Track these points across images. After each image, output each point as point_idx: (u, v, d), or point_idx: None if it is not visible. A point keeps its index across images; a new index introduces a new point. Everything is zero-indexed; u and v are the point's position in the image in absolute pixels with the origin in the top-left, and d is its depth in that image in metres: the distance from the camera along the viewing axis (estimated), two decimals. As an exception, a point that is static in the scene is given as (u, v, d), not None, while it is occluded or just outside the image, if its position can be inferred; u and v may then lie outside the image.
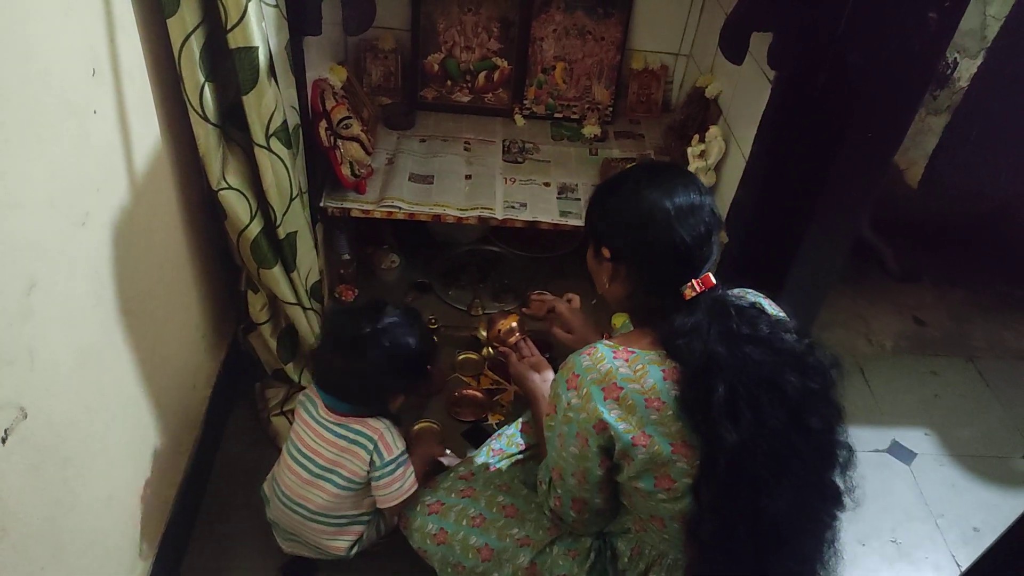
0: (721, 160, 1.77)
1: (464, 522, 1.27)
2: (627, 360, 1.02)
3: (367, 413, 1.33)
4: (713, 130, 1.75)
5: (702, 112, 1.89)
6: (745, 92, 1.69)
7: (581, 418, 1.02)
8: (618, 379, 1.00)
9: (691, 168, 1.78)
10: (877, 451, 1.82)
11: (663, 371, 1.01)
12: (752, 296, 1.14)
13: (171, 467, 1.42)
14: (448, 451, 1.64)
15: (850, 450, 1.06)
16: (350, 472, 1.31)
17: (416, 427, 1.72)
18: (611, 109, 2.15)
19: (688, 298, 1.03)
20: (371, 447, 1.30)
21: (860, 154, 1.53)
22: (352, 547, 1.36)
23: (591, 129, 2.09)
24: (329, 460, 1.31)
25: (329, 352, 1.33)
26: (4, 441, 0.86)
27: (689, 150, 1.79)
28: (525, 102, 2.13)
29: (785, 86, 1.52)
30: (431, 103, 2.11)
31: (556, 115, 2.15)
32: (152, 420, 1.32)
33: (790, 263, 1.67)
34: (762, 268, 1.72)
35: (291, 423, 1.64)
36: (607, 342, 1.05)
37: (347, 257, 1.97)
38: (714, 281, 1.04)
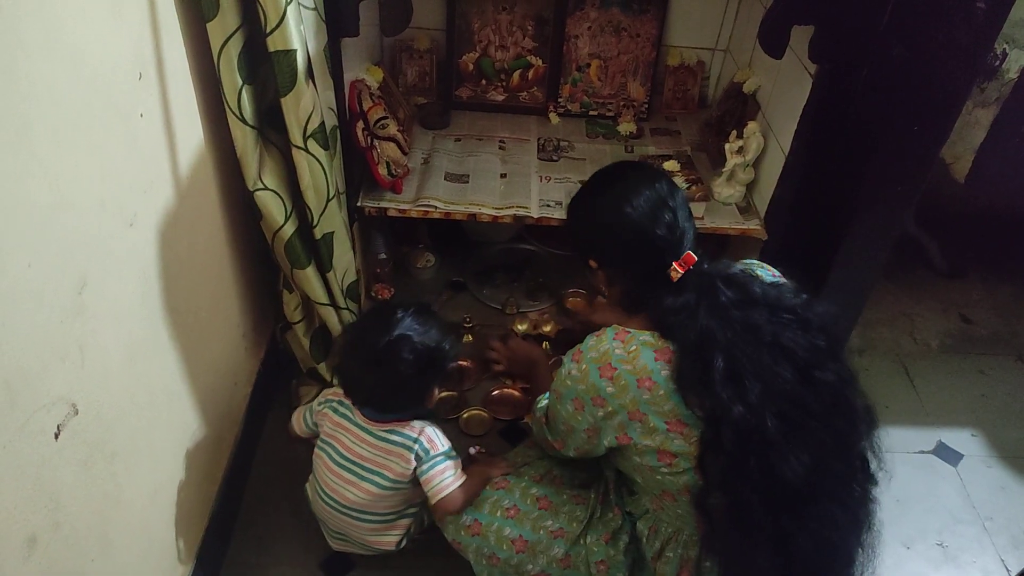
0: (760, 156, 1.75)
1: (498, 513, 1.27)
2: (623, 341, 1.07)
3: (408, 417, 1.34)
4: (751, 125, 1.73)
5: (740, 108, 1.86)
6: (785, 87, 1.66)
7: (579, 388, 1.09)
8: (613, 359, 1.06)
9: (729, 164, 1.76)
10: (922, 452, 1.78)
11: (655, 352, 1.05)
12: (742, 265, 1.19)
13: (213, 463, 1.45)
14: (483, 449, 1.65)
15: (871, 413, 1.06)
16: (397, 474, 1.31)
17: (465, 415, 1.73)
18: (647, 106, 2.13)
19: (675, 280, 1.08)
20: (415, 446, 1.30)
21: (905, 149, 1.49)
22: (400, 541, 1.37)
23: (627, 126, 2.07)
24: (375, 463, 1.31)
25: (354, 368, 1.33)
26: (57, 436, 0.88)
27: (727, 146, 1.77)
28: (560, 100, 2.12)
29: (827, 80, 1.50)
30: (466, 102, 2.12)
31: (591, 113, 2.13)
32: (195, 417, 1.35)
33: (832, 260, 1.64)
34: (803, 266, 1.68)
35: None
36: (615, 326, 1.10)
37: (383, 256, 1.98)
38: (695, 257, 1.08)
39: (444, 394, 1.40)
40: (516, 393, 1.81)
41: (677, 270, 1.08)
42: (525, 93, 2.12)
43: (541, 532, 1.24)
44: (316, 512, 1.40)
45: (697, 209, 1.75)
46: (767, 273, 1.19)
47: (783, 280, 1.18)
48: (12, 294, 0.79)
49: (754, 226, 1.75)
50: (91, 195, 0.95)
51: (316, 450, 1.39)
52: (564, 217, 1.74)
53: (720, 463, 1.00)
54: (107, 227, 1.00)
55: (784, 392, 1.00)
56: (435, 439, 1.32)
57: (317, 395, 1.68)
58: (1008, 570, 1.55)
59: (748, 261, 1.23)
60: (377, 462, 1.32)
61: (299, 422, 1.45)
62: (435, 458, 1.30)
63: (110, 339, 1.01)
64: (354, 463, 1.33)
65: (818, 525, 1.01)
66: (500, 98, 2.12)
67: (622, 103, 2.12)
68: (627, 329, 1.08)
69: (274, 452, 1.65)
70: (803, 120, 1.56)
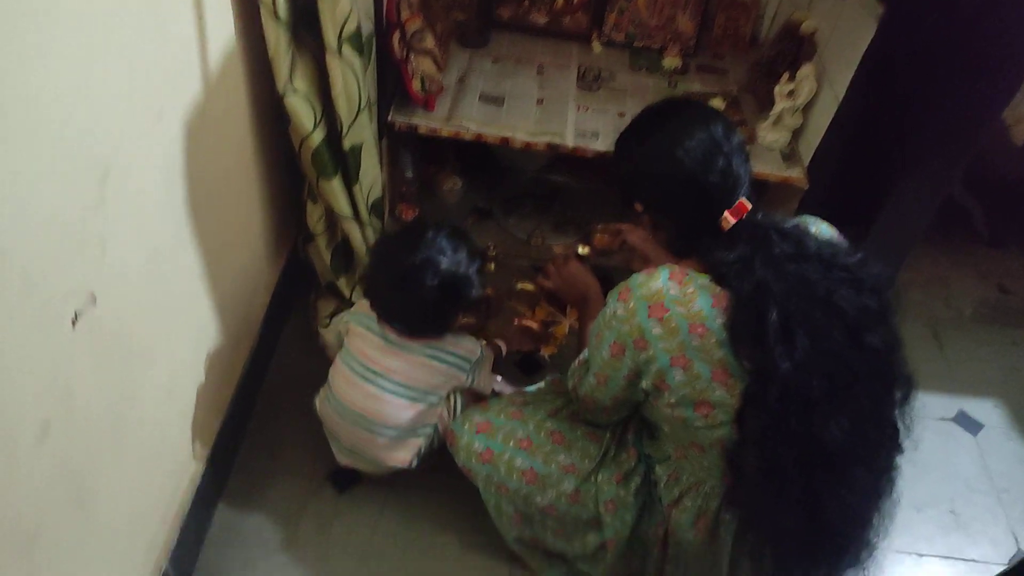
0: (810, 101, 1.66)
1: (511, 444, 1.26)
2: (680, 282, 1.01)
3: (431, 336, 1.33)
4: (806, 68, 1.64)
5: (794, 49, 1.76)
6: (846, 30, 1.56)
7: (623, 329, 1.03)
8: (666, 300, 1.00)
9: (778, 108, 1.68)
10: (943, 419, 1.75)
11: (713, 297, 0.99)
12: (795, 220, 1.13)
13: (229, 369, 1.45)
14: (500, 378, 1.63)
15: (909, 382, 1.03)
16: (432, 386, 1.33)
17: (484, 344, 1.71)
18: (694, 41, 2.03)
19: (726, 229, 1.02)
20: (469, 368, 1.36)
21: (967, 103, 1.42)
22: (412, 460, 1.37)
23: (672, 61, 1.98)
24: (408, 376, 1.31)
25: (381, 285, 1.31)
26: (74, 324, 0.87)
27: (777, 88, 1.68)
28: (604, 28, 2.03)
29: (893, 25, 1.40)
30: (506, 22, 2.03)
31: (636, 44, 2.04)
32: (213, 321, 1.34)
33: (874, 217, 1.58)
34: (845, 219, 1.62)
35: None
36: (669, 264, 1.05)
37: (410, 176, 1.94)
38: (749, 205, 1.03)
39: (464, 321, 1.38)
40: (535, 325, 1.79)
41: (729, 219, 1.02)
42: (568, 18, 2.03)
43: (552, 466, 1.22)
44: (327, 425, 1.40)
45: (739, 152, 1.68)
46: (825, 229, 1.13)
47: (839, 238, 1.12)
48: (33, 179, 0.76)
49: (796, 174, 1.68)
50: (119, 85, 0.91)
51: (336, 360, 1.38)
52: (599, 149, 1.69)
53: (761, 419, 0.97)
54: (134, 119, 0.96)
55: (833, 353, 0.96)
56: (475, 347, 1.37)
57: (335, 311, 1.67)
58: (1018, 542, 1.54)
59: (804, 216, 1.17)
60: (406, 373, 1.31)
61: (334, 337, 1.44)
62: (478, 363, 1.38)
63: (132, 233, 0.99)
64: (378, 374, 1.31)
65: (846, 490, 0.99)
66: (542, 21, 2.03)
67: (669, 36, 2.02)
68: (684, 269, 1.02)
69: (288, 364, 1.65)
70: (862, 66, 1.47)
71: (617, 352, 1.05)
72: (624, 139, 1.14)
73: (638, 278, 1.03)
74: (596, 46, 2.02)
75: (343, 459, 1.41)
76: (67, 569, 0.94)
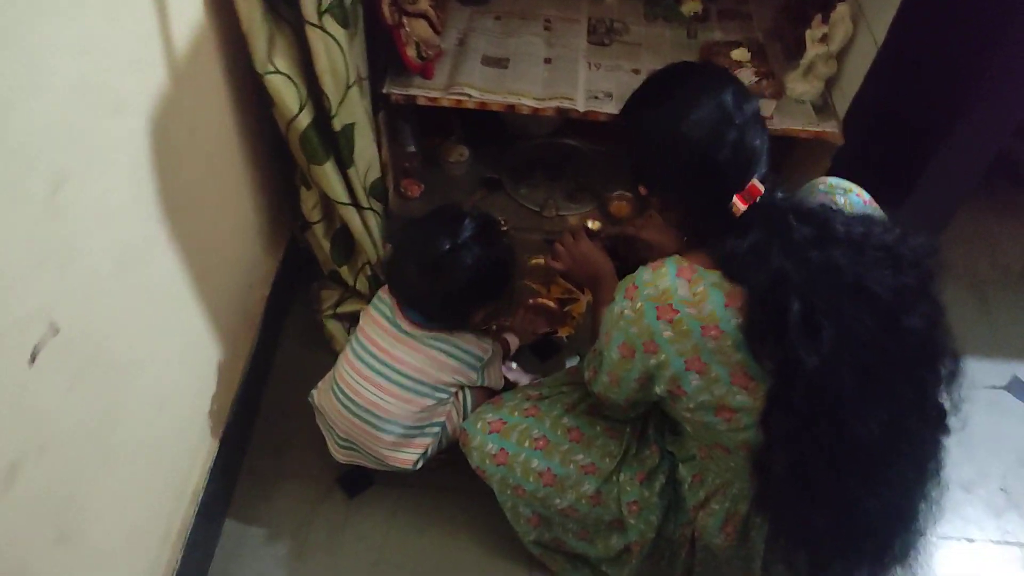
0: (846, 46, 1.51)
1: (526, 444, 1.18)
2: (689, 280, 0.92)
3: (447, 328, 1.26)
4: (841, 9, 1.48)
5: (827, -14, 1.60)
6: (886, -37, 1.40)
7: (631, 331, 0.95)
8: (674, 300, 0.91)
9: (809, 55, 1.53)
10: (993, 388, 1.63)
11: (726, 296, 0.90)
12: (825, 187, 1.03)
13: (229, 370, 1.37)
14: (515, 365, 1.54)
15: (955, 359, 0.93)
16: (444, 383, 1.27)
17: (495, 327, 1.62)
18: (715, -17, 1.86)
19: (738, 214, 0.91)
20: (480, 366, 1.31)
21: (1025, 44, 1.26)
22: (417, 461, 1.30)
23: (691, 6, 1.81)
24: (417, 369, 1.24)
25: (408, 270, 1.23)
26: (33, 360, 0.79)
27: (808, 33, 1.52)
28: (616, -26, 1.86)
29: (941, -45, 1.25)
30: (509, -27, 1.87)
31: (650, -10, 1.87)
32: (206, 322, 1.25)
33: (919, 173, 1.44)
34: (884, 176, 1.49)
35: (347, 327, 1.57)
36: (677, 257, 0.95)
37: (412, 150, 1.82)
38: (761, 188, 0.92)
39: (484, 316, 1.30)
40: (551, 304, 1.69)
41: (739, 205, 0.91)
42: (577, -36, 1.86)
43: (571, 466, 1.14)
44: (325, 414, 1.32)
45: (767, 107, 1.54)
46: (855, 199, 1.02)
47: (874, 208, 1.00)
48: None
49: (830, 128, 1.53)
50: (65, 79, 0.81)
51: (345, 348, 1.31)
52: (612, 112, 1.56)
53: (787, 421, 0.88)
54: (88, 116, 0.86)
55: (865, 342, 0.86)
56: (487, 345, 1.32)
57: (338, 300, 1.58)
58: (1076, 521, 1.44)
59: (834, 181, 1.06)
60: (415, 367, 1.24)
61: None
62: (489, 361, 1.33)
63: (96, 243, 0.90)
64: (389, 367, 1.24)
65: (886, 488, 0.91)
66: (549, -30, 1.87)
67: (687, -21, 1.85)
68: (692, 265, 0.93)
69: (293, 358, 1.57)
70: (905, 4, 1.31)
71: (627, 354, 0.97)
72: (626, 112, 1.03)
73: (644, 274, 0.95)
74: (607, -6, 1.86)
75: (340, 455, 1.34)
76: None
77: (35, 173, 0.77)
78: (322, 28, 1.18)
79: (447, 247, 1.19)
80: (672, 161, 0.96)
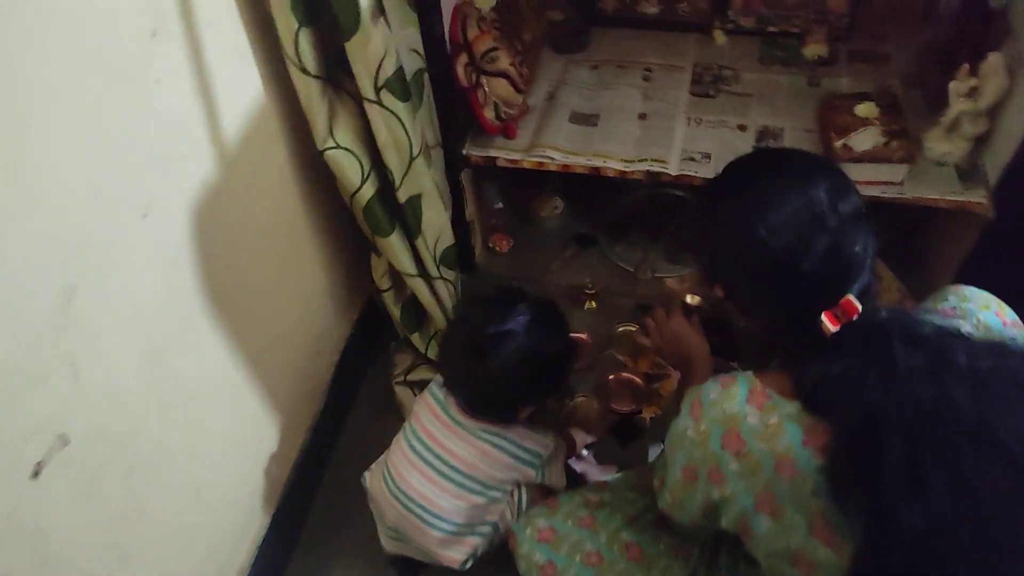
0: (1000, 102, 1.25)
1: (577, 558, 1.06)
2: (760, 408, 0.78)
3: (496, 421, 1.17)
4: (993, 59, 1.23)
5: (979, 30, 1.34)
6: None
7: (696, 454, 0.83)
8: (742, 430, 0.79)
9: (954, 111, 1.29)
10: None
11: (805, 432, 0.76)
12: (948, 302, 0.86)
13: (286, 445, 1.34)
14: (586, 452, 1.42)
15: None
16: (497, 480, 1.18)
17: (571, 403, 1.51)
18: (847, 20, 1.63)
19: (828, 335, 0.76)
20: (540, 464, 1.20)
21: None
22: (467, 560, 1.22)
23: (815, 48, 1.60)
24: (469, 464, 1.16)
25: (453, 350, 1.17)
26: (37, 475, 0.78)
27: (952, 85, 1.29)
28: (730, 13, 1.68)
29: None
30: (611, 16, 1.75)
31: (770, 29, 1.68)
32: (257, 400, 1.23)
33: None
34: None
35: (416, 395, 1.52)
36: (751, 376, 0.81)
37: (499, 206, 1.74)
38: (858, 305, 0.76)
39: (530, 412, 1.20)
40: (637, 379, 1.54)
41: (829, 326, 0.75)
42: (685, 3, 1.70)
43: (626, 589, 1.01)
44: (375, 501, 1.26)
45: (896, 172, 1.32)
46: (993, 320, 0.82)
47: (1020, 331, 0.79)
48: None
49: (977, 199, 1.29)
50: (79, 185, 0.80)
51: (399, 434, 1.25)
52: (708, 176, 1.40)
53: None
54: (106, 222, 0.85)
55: (990, 503, 0.68)
56: (548, 441, 1.22)
57: (412, 366, 1.54)
58: None
59: (969, 292, 0.86)
60: (468, 461, 1.16)
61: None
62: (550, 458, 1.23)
63: (115, 347, 0.89)
64: (437, 456, 1.17)
65: None
66: (653, 10, 1.73)
67: (813, 17, 1.64)
68: (766, 390, 0.79)
69: (363, 424, 1.53)
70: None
71: (690, 477, 0.85)
72: (700, 205, 0.91)
73: (711, 392, 0.82)
74: (719, 36, 1.69)
75: (389, 545, 1.28)
76: None
77: (40, 288, 0.76)
78: (380, 103, 1.13)
79: (490, 332, 1.11)
80: (748, 266, 0.82)
